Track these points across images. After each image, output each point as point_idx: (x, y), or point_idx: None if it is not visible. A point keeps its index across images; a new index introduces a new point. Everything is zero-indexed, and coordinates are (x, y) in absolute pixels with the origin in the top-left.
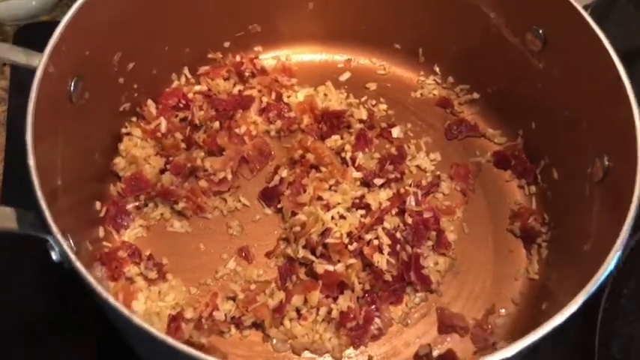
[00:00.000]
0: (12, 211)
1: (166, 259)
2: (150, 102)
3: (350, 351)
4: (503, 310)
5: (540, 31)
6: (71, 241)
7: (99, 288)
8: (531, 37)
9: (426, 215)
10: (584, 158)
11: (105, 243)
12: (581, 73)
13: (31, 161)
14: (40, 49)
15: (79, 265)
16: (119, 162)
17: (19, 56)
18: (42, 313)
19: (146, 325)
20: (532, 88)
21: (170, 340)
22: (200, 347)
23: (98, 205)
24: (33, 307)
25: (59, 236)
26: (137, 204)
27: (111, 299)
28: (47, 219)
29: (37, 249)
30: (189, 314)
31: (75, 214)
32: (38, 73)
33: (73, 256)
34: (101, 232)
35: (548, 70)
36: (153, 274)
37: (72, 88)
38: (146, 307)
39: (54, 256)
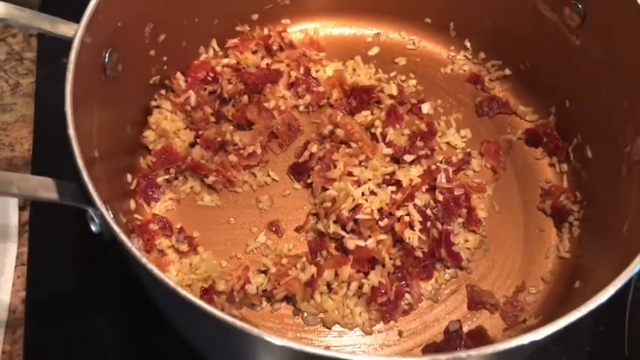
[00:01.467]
0: (53, 182)
1: (197, 233)
2: (179, 75)
3: (380, 326)
4: (533, 289)
5: (580, 6)
6: (110, 212)
7: (143, 258)
8: (570, 12)
9: (457, 192)
10: (621, 137)
11: (136, 215)
12: (623, 51)
13: (72, 131)
14: (68, 17)
15: (122, 235)
16: (149, 135)
17: (48, 25)
18: (76, 284)
19: (184, 292)
20: (567, 65)
21: (207, 307)
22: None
23: (129, 177)
24: (66, 278)
25: (102, 207)
26: (167, 177)
27: (153, 268)
28: (90, 190)
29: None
30: (221, 287)
31: (109, 186)
32: (75, 44)
33: (116, 227)
34: (132, 205)
35: (586, 47)
36: (184, 247)
37: (106, 60)
38: (178, 279)
39: (93, 227)
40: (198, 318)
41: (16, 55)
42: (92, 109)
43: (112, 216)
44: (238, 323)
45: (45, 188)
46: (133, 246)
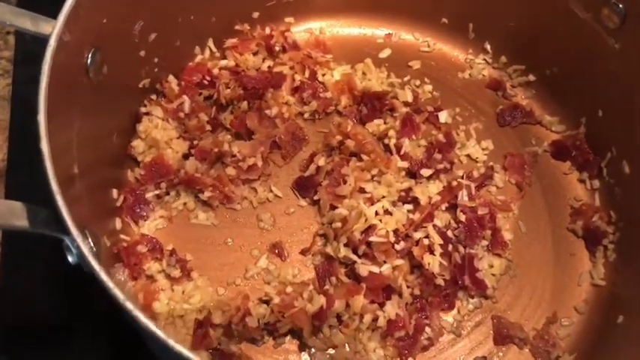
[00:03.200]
0: (22, 207)
1: (190, 255)
2: (171, 77)
3: None
4: (565, 320)
5: (620, 6)
6: (90, 240)
7: (127, 303)
8: (608, 12)
9: (481, 212)
10: None
11: (122, 236)
12: None
13: (45, 146)
14: (50, 14)
15: (99, 269)
16: (138, 145)
17: (29, 22)
18: (52, 310)
19: (171, 341)
20: (602, 70)
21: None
22: (230, 356)
23: (115, 193)
24: (42, 304)
25: (78, 238)
26: (157, 192)
27: (137, 312)
28: (65, 218)
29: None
30: (217, 319)
31: (91, 204)
32: (52, 42)
33: (92, 260)
34: (118, 224)
35: (626, 50)
36: (176, 272)
37: (89, 61)
38: (169, 309)
39: (70, 258)
40: None
41: None
42: (72, 117)
43: (91, 244)
44: None
45: (13, 214)
46: (117, 280)
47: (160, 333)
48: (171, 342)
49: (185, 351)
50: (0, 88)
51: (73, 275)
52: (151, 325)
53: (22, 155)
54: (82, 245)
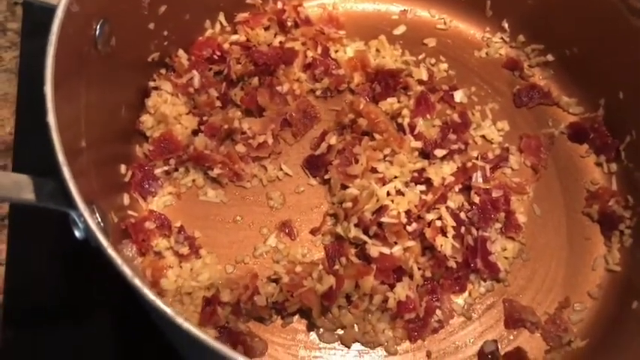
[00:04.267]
0: (28, 180)
1: (199, 232)
2: (181, 52)
3: (406, 345)
4: (578, 305)
5: None
6: (97, 214)
7: (128, 271)
8: None
9: (495, 194)
10: None
11: (130, 212)
12: None
13: (52, 118)
14: None
15: (106, 244)
16: (147, 120)
17: None
18: (60, 287)
19: (178, 318)
20: (624, 51)
21: (203, 337)
22: (238, 334)
23: (123, 168)
24: (50, 280)
25: (85, 212)
26: (166, 168)
27: (145, 289)
28: (71, 190)
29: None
30: (225, 297)
31: (98, 179)
32: (59, 13)
33: (100, 235)
34: (126, 200)
35: None
36: (184, 249)
37: (97, 32)
38: (177, 286)
39: (77, 233)
40: (196, 343)
41: None
42: (79, 90)
43: (99, 219)
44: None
45: (18, 187)
46: (125, 255)
47: (167, 309)
48: (179, 319)
49: (193, 328)
50: (7, 60)
51: (80, 252)
52: (159, 302)
53: (30, 129)
54: (88, 219)
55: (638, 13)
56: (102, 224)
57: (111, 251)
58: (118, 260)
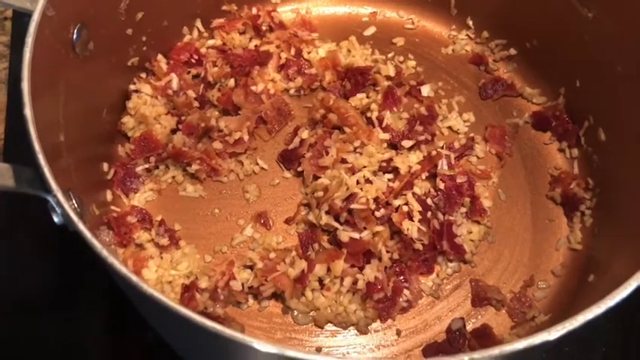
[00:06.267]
0: (7, 168)
1: (179, 225)
2: (160, 57)
3: (377, 324)
4: (542, 283)
5: None
6: (74, 201)
7: (104, 252)
8: None
9: (460, 180)
10: (638, 117)
11: (113, 207)
12: None
13: (28, 112)
14: None
15: (82, 226)
16: (127, 121)
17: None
18: (46, 283)
19: (156, 293)
20: (578, 41)
21: (183, 310)
22: (216, 318)
23: (105, 166)
24: (38, 274)
25: (59, 194)
26: (147, 166)
27: (118, 265)
28: (46, 175)
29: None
30: (203, 284)
31: (80, 175)
32: (35, 17)
33: (75, 217)
34: (109, 196)
35: (600, 20)
36: (164, 241)
37: (75, 36)
38: (157, 275)
39: (55, 218)
40: (176, 321)
41: None
42: (58, 90)
43: (75, 205)
44: (217, 327)
45: None
46: (102, 239)
47: (140, 283)
48: (146, 287)
49: (160, 296)
50: None
51: (68, 247)
52: (133, 277)
53: (19, 135)
54: (63, 202)
55: (587, 3)
56: (78, 210)
57: (86, 233)
58: (93, 240)
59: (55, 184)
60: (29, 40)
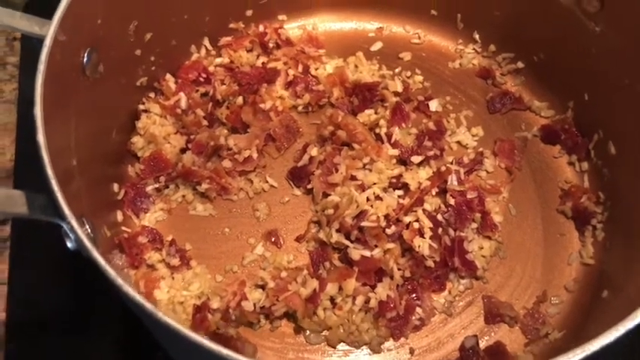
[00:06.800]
0: (21, 195)
1: (189, 245)
2: (168, 76)
3: (390, 343)
4: (555, 299)
5: None
6: (87, 226)
7: (119, 280)
8: None
9: (470, 195)
10: None
11: (124, 228)
12: None
13: (41, 138)
14: (50, 17)
15: (96, 253)
16: (137, 141)
17: (25, 24)
18: (60, 304)
19: (170, 320)
20: (585, 55)
21: (196, 337)
22: (229, 339)
23: (116, 187)
24: (50, 298)
25: (74, 221)
26: (157, 186)
27: (132, 292)
28: (60, 202)
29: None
30: (215, 304)
31: (91, 198)
32: (47, 42)
33: (88, 244)
34: (119, 217)
35: (606, 34)
36: (175, 261)
37: (85, 60)
38: (169, 296)
39: (69, 244)
40: (188, 345)
41: None
42: (69, 114)
43: (88, 230)
44: (228, 353)
45: (11, 202)
46: (115, 264)
47: (152, 309)
48: (170, 321)
49: (174, 323)
50: (7, 92)
51: (81, 271)
52: (147, 304)
53: (29, 156)
54: (77, 229)
55: (594, 17)
56: (92, 235)
57: (99, 258)
58: (107, 267)
59: (69, 210)
60: (41, 66)
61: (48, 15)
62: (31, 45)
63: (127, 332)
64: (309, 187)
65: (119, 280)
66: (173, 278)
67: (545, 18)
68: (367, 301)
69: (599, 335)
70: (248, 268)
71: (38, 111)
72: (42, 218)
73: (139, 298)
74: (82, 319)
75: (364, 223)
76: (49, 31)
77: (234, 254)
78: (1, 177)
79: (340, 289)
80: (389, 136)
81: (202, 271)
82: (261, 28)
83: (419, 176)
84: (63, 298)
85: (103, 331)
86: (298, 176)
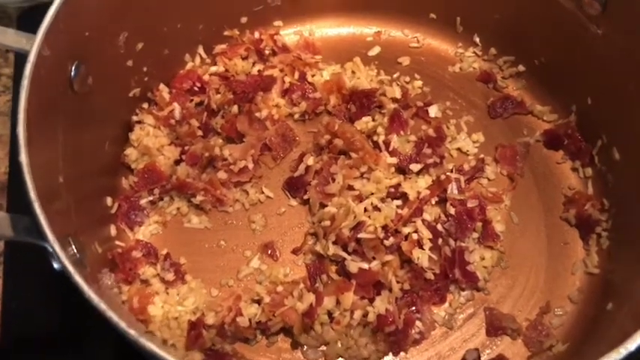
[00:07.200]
0: (5, 217)
1: (184, 259)
2: (162, 86)
3: (389, 358)
4: (559, 310)
5: None
6: (73, 247)
7: (101, 305)
8: None
9: (471, 204)
10: None
11: (117, 242)
12: None
13: (24, 158)
14: None
15: (78, 277)
16: (130, 153)
17: (10, 39)
18: (56, 323)
19: (158, 350)
20: (588, 58)
21: None
22: (224, 355)
23: (109, 201)
24: (46, 316)
25: (56, 245)
26: (151, 198)
27: (115, 318)
28: (42, 224)
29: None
30: (210, 320)
31: (82, 214)
32: (31, 57)
33: (71, 269)
34: (113, 231)
35: (609, 36)
36: (170, 276)
37: (72, 74)
38: (164, 311)
39: (55, 265)
40: None
41: None
42: (56, 129)
43: (74, 250)
44: None
45: None
46: (104, 283)
47: (129, 330)
48: (148, 344)
49: (161, 352)
50: (1, 104)
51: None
52: (131, 332)
53: None
54: (59, 252)
55: (596, 20)
56: (78, 256)
57: (81, 282)
58: (89, 292)
59: (52, 233)
60: (25, 82)
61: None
62: (24, 56)
63: (122, 350)
64: (305, 197)
65: (102, 306)
66: (168, 293)
67: (546, 20)
68: (365, 315)
69: (602, 356)
70: (244, 282)
71: (21, 130)
72: (27, 240)
73: (123, 325)
74: (76, 337)
75: (362, 235)
76: (33, 45)
77: (229, 267)
78: None
79: (338, 303)
80: (387, 143)
81: (197, 286)
82: (256, 34)
83: (418, 185)
84: (58, 315)
85: (98, 349)
86: (295, 186)
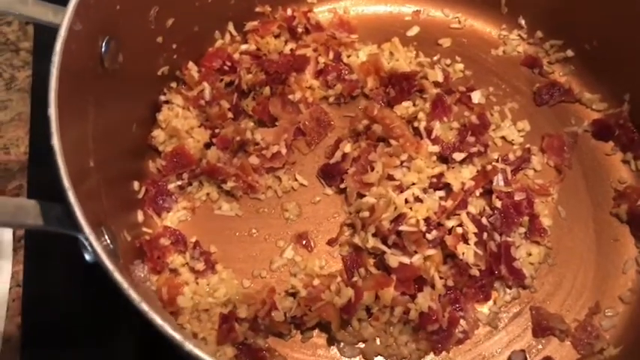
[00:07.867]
0: (34, 205)
1: (215, 247)
2: (191, 64)
3: (430, 357)
4: (609, 311)
5: None
6: (106, 236)
7: (143, 304)
8: None
9: (518, 197)
10: None
11: (145, 229)
12: None
13: (56, 143)
14: (65, 4)
15: (117, 274)
16: (158, 135)
17: (40, 12)
18: (77, 307)
19: (195, 349)
20: None
21: None
22: (257, 350)
23: (136, 185)
24: (66, 300)
25: (92, 236)
26: (180, 183)
27: (152, 314)
28: (77, 214)
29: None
30: (243, 313)
31: (110, 198)
32: (62, 32)
33: (108, 262)
34: (140, 217)
35: None
36: (200, 265)
37: (103, 50)
38: (193, 303)
39: (87, 256)
40: None
41: (11, 45)
42: (87, 109)
43: (108, 241)
44: None
45: (25, 213)
46: (137, 275)
47: (175, 334)
48: (188, 344)
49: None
50: (20, 80)
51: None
52: (167, 327)
53: (44, 148)
54: (95, 244)
55: None
56: (111, 246)
57: (117, 276)
58: (124, 285)
59: (87, 223)
60: (56, 59)
61: (60, 1)
62: (45, 29)
63: (146, 339)
64: (342, 186)
65: (137, 300)
66: (197, 284)
67: (598, 2)
68: (406, 312)
69: None
70: (277, 274)
71: (53, 112)
72: (58, 230)
73: (161, 321)
74: (98, 322)
75: (403, 228)
76: (64, 19)
77: (262, 258)
78: (15, 170)
79: (377, 298)
80: (429, 131)
81: (229, 276)
82: (289, 11)
83: (462, 175)
84: (80, 300)
85: (119, 336)
86: (330, 174)
